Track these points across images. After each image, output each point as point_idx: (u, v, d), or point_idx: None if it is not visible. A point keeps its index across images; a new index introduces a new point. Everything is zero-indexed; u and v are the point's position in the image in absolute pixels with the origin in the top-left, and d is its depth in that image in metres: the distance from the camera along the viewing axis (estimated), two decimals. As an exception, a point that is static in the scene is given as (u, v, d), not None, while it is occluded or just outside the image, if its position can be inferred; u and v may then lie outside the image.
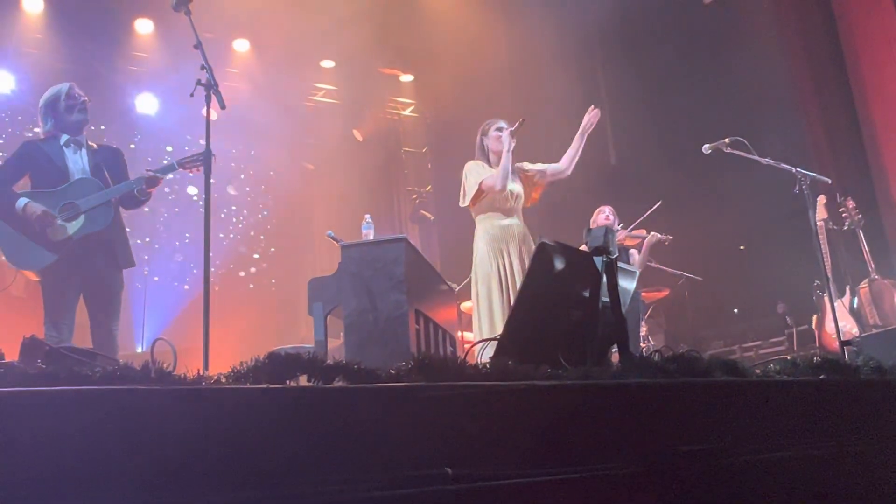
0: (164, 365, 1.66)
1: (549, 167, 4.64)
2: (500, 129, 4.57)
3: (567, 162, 4.61)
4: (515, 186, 4.54)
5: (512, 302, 4.19)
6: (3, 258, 3.97)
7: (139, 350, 7.37)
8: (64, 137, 3.99)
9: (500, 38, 8.01)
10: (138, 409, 1.43)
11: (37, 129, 7.94)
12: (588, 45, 8.60)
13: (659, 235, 6.08)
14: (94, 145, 4.13)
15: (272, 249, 9.49)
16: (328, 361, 1.81)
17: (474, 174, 4.51)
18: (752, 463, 2.12)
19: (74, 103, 3.99)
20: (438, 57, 8.60)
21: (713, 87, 7.50)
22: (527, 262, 4.34)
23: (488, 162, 4.58)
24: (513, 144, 4.43)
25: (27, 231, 3.77)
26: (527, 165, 4.67)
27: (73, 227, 3.80)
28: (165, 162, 4.05)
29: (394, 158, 10.57)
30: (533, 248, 4.37)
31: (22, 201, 3.77)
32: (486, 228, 4.49)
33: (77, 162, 3.97)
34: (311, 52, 9.01)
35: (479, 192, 4.47)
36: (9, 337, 2.17)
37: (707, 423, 2.14)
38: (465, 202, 4.55)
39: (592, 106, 4.60)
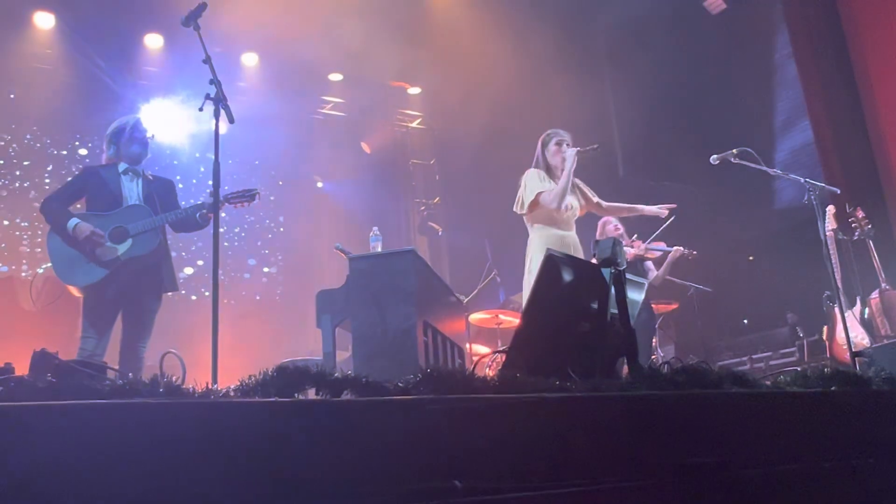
0: (174, 378, 1.66)
1: (594, 199, 4.80)
2: (559, 143, 4.62)
3: (604, 208, 4.86)
4: (574, 200, 4.60)
5: None
6: (52, 273, 4.14)
7: (148, 362, 7.38)
8: (122, 166, 4.21)
9: (507, 51, 8.02)
10: (147, 422, 1.43)
11: (48, 140, 8.05)
12: (596, 56, 8.62)
13: (683, 250, 6.05)
14: (150, 176, 4.34)
15: (280, 259, 9.51)
16: (336, 374, 1.81)
17: (533, 184, 4.53)
18: (762, 476, 2.11)
19: (137, 136, 4.23)
20: (446, 69, 8.64)
21: (721, 98, 7.49)
22: None
23: (547, 171, 4.61)
24: (574, 164, 4.50)
25: (80, 248, 3.96)
26: (582, 185, 4.76)
27: (119, 249, 3.98)
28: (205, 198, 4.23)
29: (402, 170, 10.60)
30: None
31: (73, 221, 3.95)
32: (543, 238, 4.49)
33: (132, 189, 4.18)
34: (319, 65, 9.06)
35: (536, 203, 4.49)
36: (26, 352, 2.18)
37: (717, 435, 2.13)
38: (521, 210, 4.56)
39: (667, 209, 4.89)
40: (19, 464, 1.30)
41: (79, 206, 4.21)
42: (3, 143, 8.04)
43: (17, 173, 8.04)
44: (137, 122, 4.28)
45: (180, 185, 4.24)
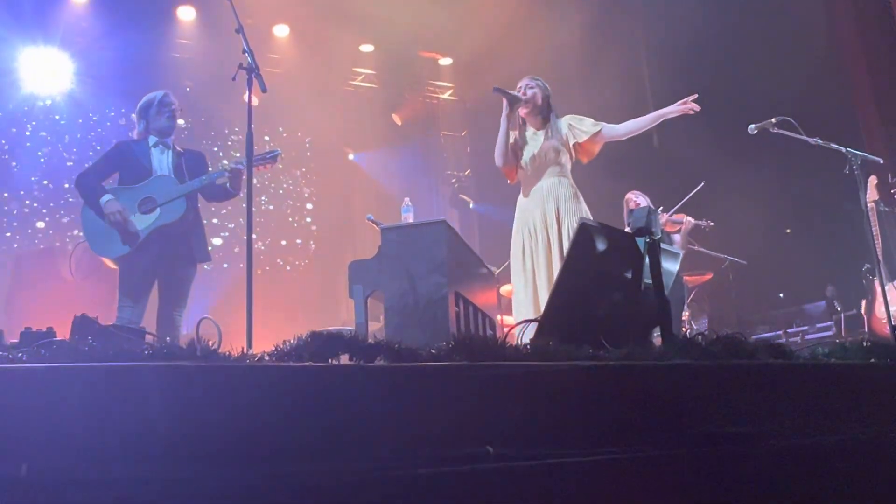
0: (210, 343, 1.69)
1: (605, 129, 4.31)
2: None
3: (626, 130, 4.32)
4: (551, 143, 4.27)
5: (536, 280, 4.14)
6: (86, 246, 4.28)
7: (184, 331, 7.50)
8: (153, 139, 4.31)
9: (539, 19, 7.91)
10: (184, 384, 1.46)
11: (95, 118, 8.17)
12: (630, 25, 8.45)
13: (694, 221, 5.97)
14: (181, 149, 4.43)
15: (313, 227, 9.56)
16: (370, 341, 1.82)
17: None
18: (798, 447, 2.08)
19: (165, 109, 4.31)
20: (477, 40, 8.54)
21: (760, 66, 7.30)
22: (561, 212, 4.16)
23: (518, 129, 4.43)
24: (512, 112, 4.28)
25: (110, 222, 4.09)
26: (574, 121, 4.37)
27: (148, 219, 4.10)
28: (226, 164, 4.31)
29: (433, 142, 10.56)
30: (570, 197, 4.19)
31: (105, 198, 4.07)
32: (518, 204, 4.42)
33: (162, 161, 4.28)
34: (350, 36, 9.02)
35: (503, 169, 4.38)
36: (68, 320, 2.23)
37: (752, 405, 2.10)
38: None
39: (689, 100, 4.36)
40: (63, 421, 1.33)
41: (110, 180, 4.31)
42: (48, 116, 8.16)
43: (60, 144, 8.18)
44: (165, 96, 4.35)
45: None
